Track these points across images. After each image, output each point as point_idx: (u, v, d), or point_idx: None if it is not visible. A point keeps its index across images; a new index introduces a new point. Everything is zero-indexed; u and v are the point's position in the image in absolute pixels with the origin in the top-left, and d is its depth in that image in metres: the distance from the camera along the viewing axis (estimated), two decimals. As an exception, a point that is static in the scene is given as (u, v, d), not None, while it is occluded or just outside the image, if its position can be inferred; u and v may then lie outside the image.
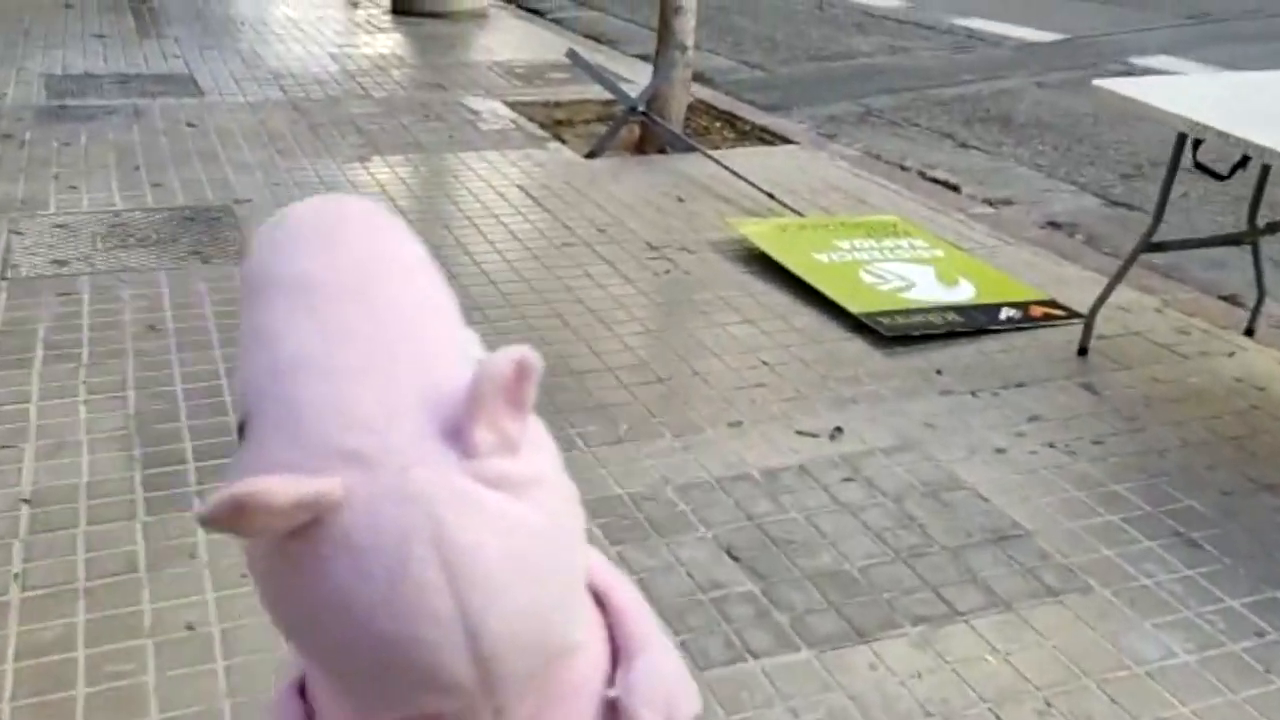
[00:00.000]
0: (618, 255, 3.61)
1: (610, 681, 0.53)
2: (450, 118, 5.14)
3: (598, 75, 4.97)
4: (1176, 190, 4.95)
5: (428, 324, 0.51)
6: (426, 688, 0.44)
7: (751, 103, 6.18)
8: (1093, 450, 2.53)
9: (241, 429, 0.51)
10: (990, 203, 4.55)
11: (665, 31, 5.05)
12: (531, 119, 5.32)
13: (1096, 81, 2.81)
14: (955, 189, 4.72)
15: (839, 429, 2.59)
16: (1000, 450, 2.53)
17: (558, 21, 8.70)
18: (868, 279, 3.41)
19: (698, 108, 5.51)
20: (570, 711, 0.51)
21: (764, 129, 5.31)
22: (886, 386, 2.81)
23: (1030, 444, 2.55)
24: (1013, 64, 6.92)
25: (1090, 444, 2.56)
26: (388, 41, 6.89)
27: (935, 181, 4.79)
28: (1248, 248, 3.20)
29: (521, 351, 0.48)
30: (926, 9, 8.77)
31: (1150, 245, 2.89)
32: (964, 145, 5.37)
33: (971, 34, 7.83)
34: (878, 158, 5.06)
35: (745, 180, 4.23)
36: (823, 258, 3.53)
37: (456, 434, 0.46)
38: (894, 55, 7.31)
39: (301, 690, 0.57)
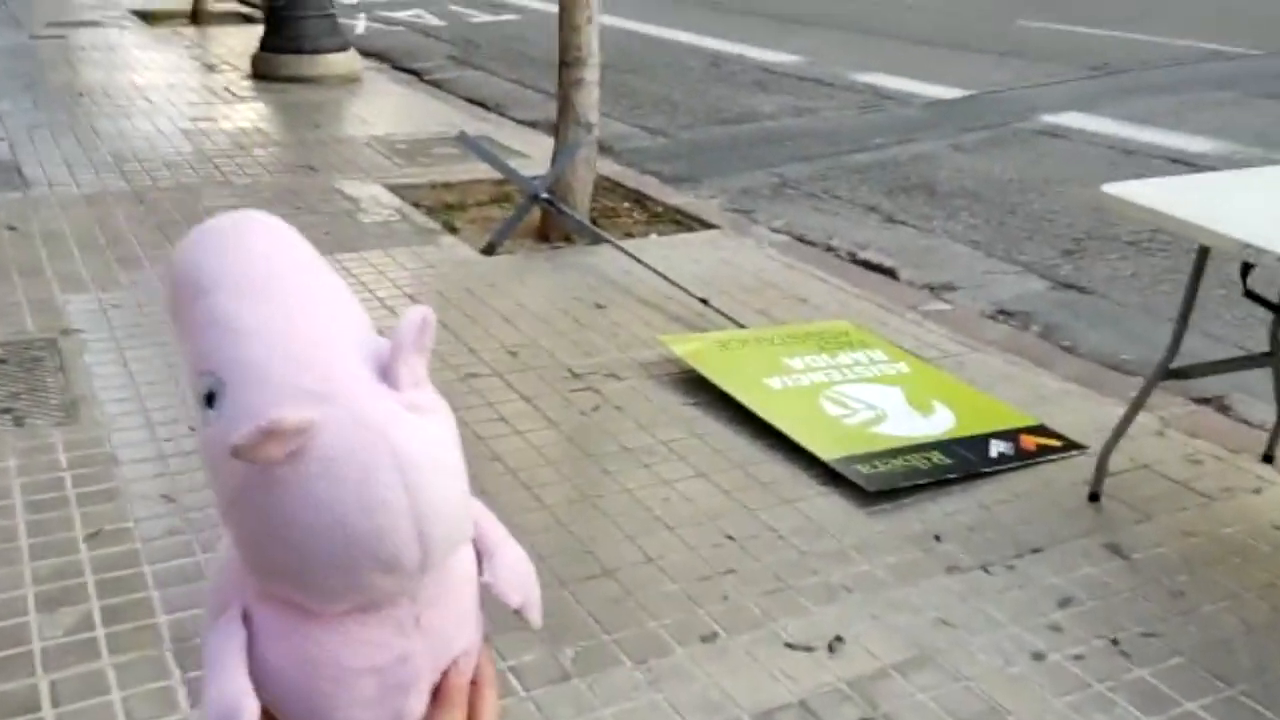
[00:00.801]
0: (535, 388, 3.04)
1: (480, 571, 0.69)
2: (325, 208, 4.52)
3: (493, 160, 4.43)
4: (1121, 267, 4.70)
5: (348, 300, 0.66)
6: (385, 570, 0.60)
7: (657, 174, 5.72)
8: (1147, 647, 2.07)
9: (210, 398, 0.62)
10: (933, 289, 4.15)
11: (566, 107, 4.54)
12: (418, 204, 4.73)
13: (1106, 188, 2.37)
14: (893, 274, 4.31)
15: (839, 638, 2.07)
16: (1038, 656, 2.04)
17: (437, 84, 8.14)
18: (831, 409, 2.92)
19: (603, 184, 5.00)
20: (460, 595, 0.67)
21: (678, 210, 4.82)
22: (881, 564, 2.31)
23: (1072, 642, 2.08)
24: (924, 124, 6.62)
25: (1140, 636, 2.10)
26: (249, 113, 6.21)
27: (870, 266, 4.37)
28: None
29: (423, 310, 0.61)
30: (824, 64, 8.48)
31: (1169, 373, 2.47)
32: (891, 220, 4.98)
33: (876, 91, 7.54)
34: (805, 240, 4.62)
35: (671, 282, 3.71)
36: (775, 383, 3.02)
37: (385, 374, 0.61)
38: (800, 117, 6.95)
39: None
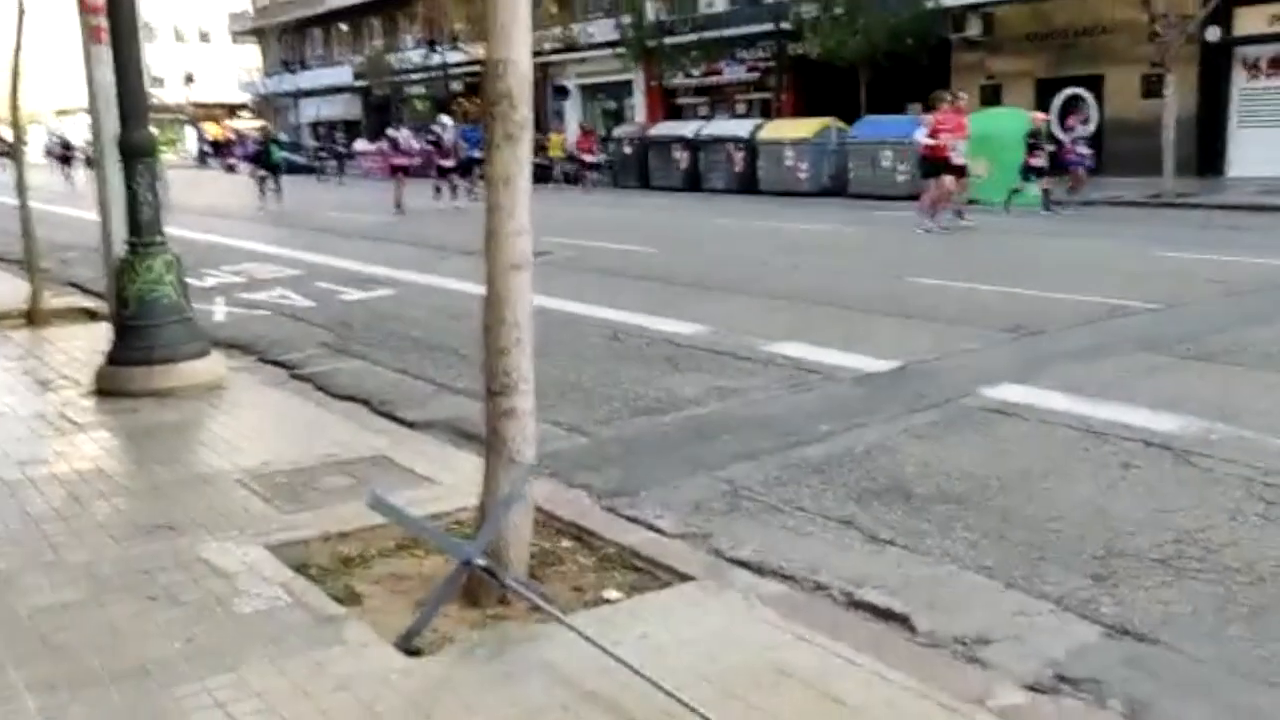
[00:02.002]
0: None
1: None
2: (188, 595, 3.51)
3: (414, 524, 3.55)
4: (1170, 599, 3.92)
5: None
6: None
7: (587, 487, 4.94)
8: None
9: None
10: (964, 644, 3.39)
11: (496, 443, 3.74)
12: (310, 569, 3.78)
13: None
14: (907, 624, 3.54)
15: None
16: None
17: (312, 381, 7.30)
18: None
19: (535, 519, 4.16)
20: None
21: (634, 554, 3.99)
22: None
23: None
24: (864, 405, 6.09)
25: None
26: (91, 447, 5.21)
27: (876, 612, 3.60)
28: None
29: None
30: (732, 335, 8.03)
31: None
32: (875, 539, 4.27)
33: (798, 365, 7.06)
34: (792, 578, 3.84)
35: (674, 697, 2.81)
36: None
37: None
38: (725, 400, 6.34)
39: None
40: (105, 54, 6.58)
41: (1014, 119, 20.47)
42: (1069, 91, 24.17)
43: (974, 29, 25.79)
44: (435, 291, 11.29)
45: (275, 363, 8.10)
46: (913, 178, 21.38)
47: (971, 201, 20.02)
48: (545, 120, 39.61)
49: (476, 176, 23.80)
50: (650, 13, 34.64)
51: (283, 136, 37.89)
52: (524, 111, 3.68)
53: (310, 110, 55.86)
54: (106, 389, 6.12)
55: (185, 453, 5.29)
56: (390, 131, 24.73)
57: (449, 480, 4.83)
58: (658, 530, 4.40)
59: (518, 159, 3.72)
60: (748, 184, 25.13)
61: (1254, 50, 20.91)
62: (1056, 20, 24.25)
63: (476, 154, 23.11)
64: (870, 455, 5.23)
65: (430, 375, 7.40)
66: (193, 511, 4.31)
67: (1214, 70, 20.83)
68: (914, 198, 19.84)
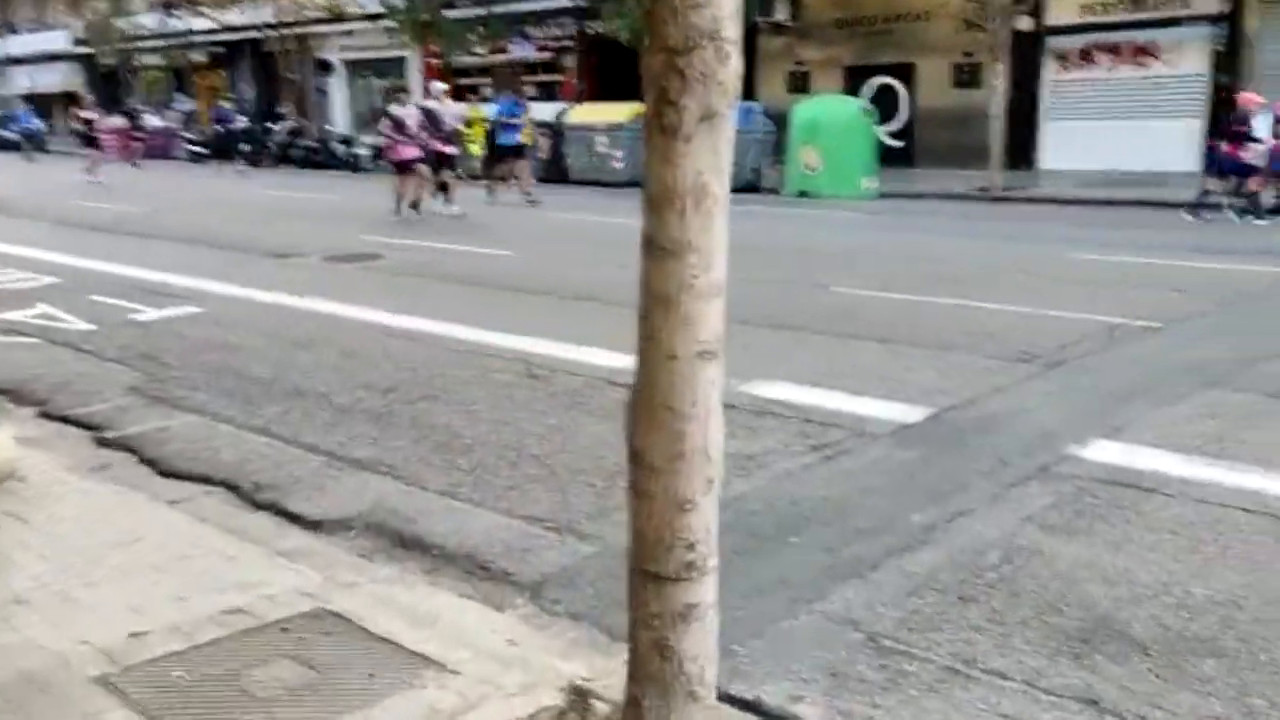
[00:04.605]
0: None
1: None
2: None
3: None
4: None
5: None
6: None
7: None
8: None
9: None
10: None
11: (661, 663, 2.07)
12: None
13: None
14: None
15: None
16: None
17: (133, 450, 5.19)
18: None
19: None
20: None
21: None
22: None
23: None
24: (937, 479, 4.66)
25: None
26: None
27: None
28: None
29: None
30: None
31: None
32: (1114, 713, 2.86)
33: (800, 414, 5.55)
34: None
35: None
36: None
37: None
38: (749, 475, 4.76)
39: None
40: None
41: (844, 107, 19.89)
42: (879, 80, 23.98)
43: (781, 14, 25.13)
44: (256, 308, 9.04)
45: (67, 419, 5.85)
46: (743, 167, 20.51)
47: (802, 194, 19.32)
48: (307, 100, 36.38)
49: (504, 168, 19.34)
50: (425, -18, 32.19)
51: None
52: (735, 65, 2.02)
53: (23, 80, 49.20)
54: None
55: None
56: (396, 109, 16.32)
57: (472, 666, 3.01)
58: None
59: (717, 157, 2.05)
60: (554, 173, 23.44)
61: (1065, 41, 21.21)
62: (866, 7, 23.94)
63: (518, 137, 18.92)
64: (1013, 564, 3.81)
65: (307, 439, 5.42)
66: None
67: (1026, 61, 21.01)
68: (748, 189, 18.95)
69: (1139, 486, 4.45)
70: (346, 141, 31.00)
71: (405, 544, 4.16)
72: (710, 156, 1.99)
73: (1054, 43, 21.25)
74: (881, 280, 9.73)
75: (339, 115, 36.28)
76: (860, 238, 13.77)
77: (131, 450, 5.29)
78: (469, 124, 20.55)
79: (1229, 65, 19.46)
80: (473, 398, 6.06)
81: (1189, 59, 20.12)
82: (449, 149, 16.60)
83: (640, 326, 2.12)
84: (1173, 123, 20.15)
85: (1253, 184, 14.52)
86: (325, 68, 36.75)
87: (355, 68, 36.55)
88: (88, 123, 25.51)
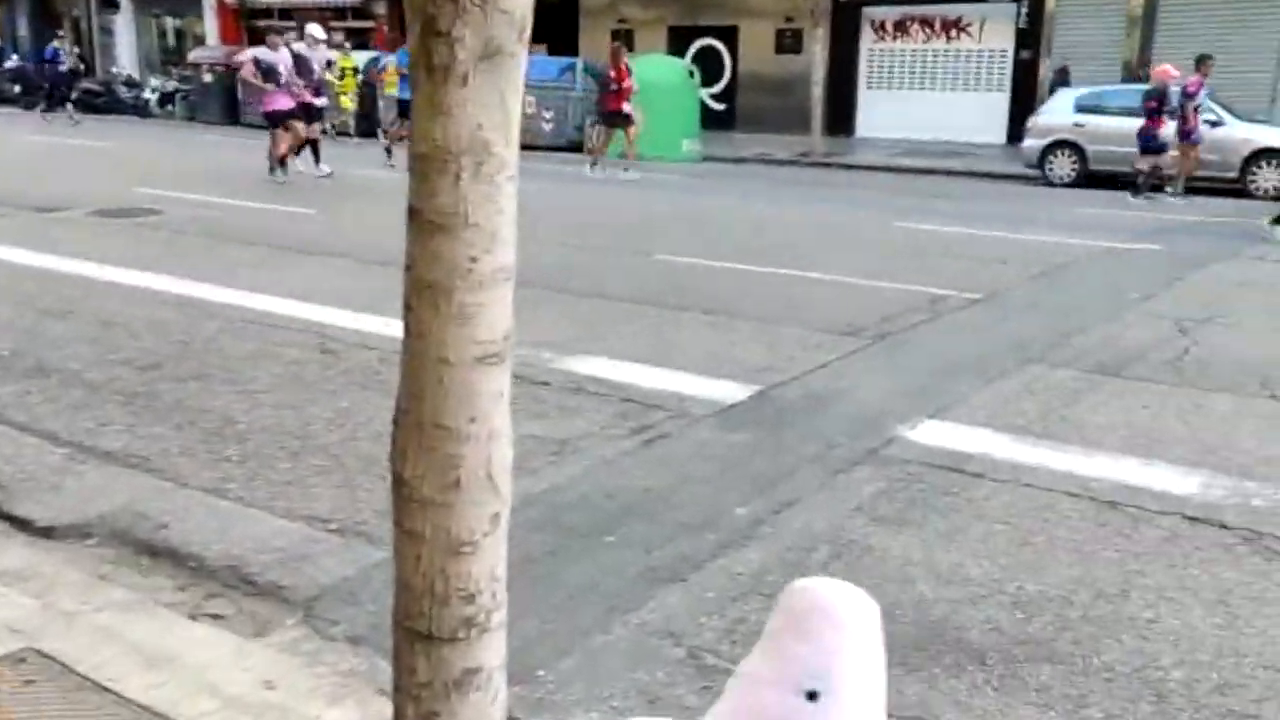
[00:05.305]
0: None
1: None
2: None
3: None
4: None
5: None
6: None
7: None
8: None
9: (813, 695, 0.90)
10: None
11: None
12: None
13: None
14: None
15: None
16: None
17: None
18: None
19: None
20: None
21: None
22: None
23: None
24: (763, 464, 4.34)
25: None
26: None
27: None
28: None
29: None
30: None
31: None
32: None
33: (620, 393, 5.15)
34: None
35: None
36: None
37: None
38: (562, 461, 4.30)
39: None
40: None
41: (668, 68, 19.57)
42: (702, 42, 23.79)
43: (604, -31, 24.61)
44: (5, 269, 7.96)
45: None
46: (559, 125, 19.93)
47: (623, 155, 18.96)
48: (89, 40, 33.48)
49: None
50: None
51: None
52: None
53: None
54: None
55: None
56: (263, 53, 14.14)
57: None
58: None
59: (504, 108, 1.58)
60: (365, 127, 22.22)
61: (880, 11, 21.50)
62: (691, -34, 23.68)
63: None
64: (843, 561, 3.52)
65: (48, 425, 4.66)
66: None
67: (845, 30, 21.20)
68: (571, 148, 18.45)
69: (966, 471, 4.25)
70: (132, 84, 28.68)
71: (155, 553, 3.55)
72: (494, 108, 1.53)
73: (870, 12, 21.53)
74: (705, 247, 9.45)
75: (125, 56, 33.49)
76: (683, 202, 13.50)
77: None
78: (341, 74, 19.24)
79: (1031, 42, 20.17)
80: (252, 376, 5.39)
81: (995, 35, 20.74)
82: (317, 100, 14.62)
83: (405, 323, 1.64)
84: (980, 95, 20.78)
85: (1142, 163, 13.74)
86: (111, 4, 33.83)
87: (144, 5, 33.75)
88: (267, 71, 21.37)
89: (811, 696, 1.06)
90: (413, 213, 1.60)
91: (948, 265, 8.86)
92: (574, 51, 23.23)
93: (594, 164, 15.86)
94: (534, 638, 3.05)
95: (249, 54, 14.78)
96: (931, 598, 3.29)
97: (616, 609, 3.24)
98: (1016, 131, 18.05)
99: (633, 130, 15.97)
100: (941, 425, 4.78)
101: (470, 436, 1.62)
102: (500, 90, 1.54)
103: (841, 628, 1.11)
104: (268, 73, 13.85)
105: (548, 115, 19.89)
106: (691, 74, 19.85)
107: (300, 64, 14.14)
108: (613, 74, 15.91)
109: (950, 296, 7.49)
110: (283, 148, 13.99)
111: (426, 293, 1.59)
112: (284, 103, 13.86)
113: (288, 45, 14.28)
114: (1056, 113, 15.94)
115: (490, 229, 1.58)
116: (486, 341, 1.60)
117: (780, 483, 4.16)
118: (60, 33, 32.02)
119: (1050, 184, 15.65)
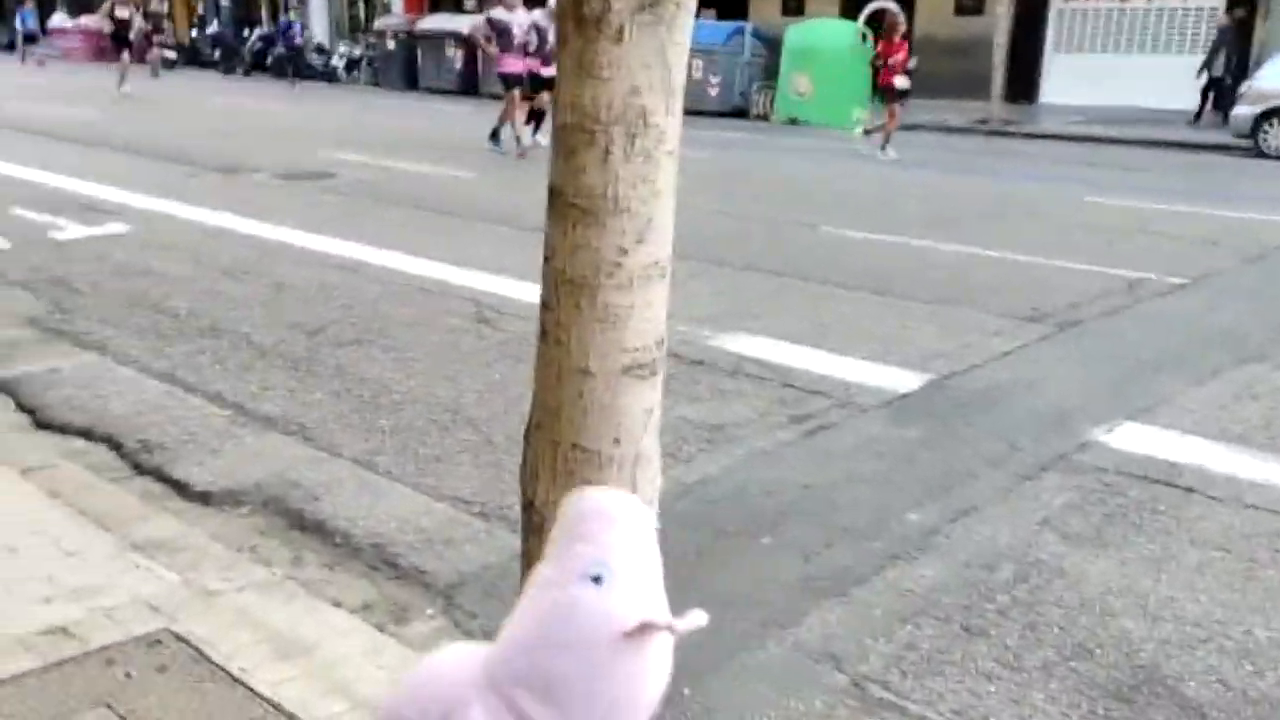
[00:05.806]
0: None
1: None
2: None
3: None
4: None
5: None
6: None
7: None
8: None
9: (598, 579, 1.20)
10: None
11: None
12: None
13: None
14: None
15: None
16: None
17: (9, 393, 4.47)
18: None
19: None
20: None
21: None
22: None
23: None
24: (936, 464, 3.98)
25: None
26: None
27: None
28: None
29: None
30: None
31: None
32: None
33: (781, 377, 4.83)
34: None
35: None
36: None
37: None
38: (715, 448, 4.06)
39: None
40: None
41: (840, 32, 18.87)
42: (877, 5, 22.84)
43: (778, -71, 23.86)
44: (191, 228, 8.23)
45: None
46: (731, 91, 19.51)
47: (792, 121, 18.43)
48: (287, 12, 34.78)
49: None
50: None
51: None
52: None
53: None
54: None
55: None
56: (499, 13, 13.18)
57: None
58: None
59: (665, 69, 1.31)
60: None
61: (1074, -30, 20.17)
62: (867, -74, 22.70)
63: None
64: (1030, 585, 3.15)
65: (215, 387, 4.71)
66: None
67: (1033, -11, 19.97)
68: (735, 113, 17.98)
69: (1176, 485, 3.78)
70: (322, 51, 29.67)
71: (304, 527, 3.48)
72: (654, 68, 1.26)
73: (1063, -30, 20.18)
74: (874, 221, 8.97)
75: (316, 23, 34.73)
76: (851, 171, 12.96)
77: (9, 394, 4.57)
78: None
79: (1244, 0, 18.49)
80: (409, 343, 5.33)
81: (1203, -9, 19.13)
82: (547, 71, 12.52)
83: (541, 324, 1.40)
84: (1186, 59, 19.22)
85: None
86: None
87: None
88: (121, 23, 21.38)
89: (596, 580, 1.19)
90: (553, 193, 1.36)
91: (1146, 245, 8.13)
92: (744, 15, 22.70)
93: (885, 145, 14.67)
94: (679, 650, 2.82)
95: (483, 15, 14.36)
96: (1138, 636, 2.89)
97: (771, 623, 2.98)
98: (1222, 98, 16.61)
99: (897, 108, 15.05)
100: (1144, 430, 4.29)
101: (613, 461, 1.38)
102: (661, 47, 1.28)
103: (616, 523, 1.22)
104: (502, 34, 13.11)
105: (714, 80, 19.51)
106: (865, 38, 19.06)
107: (539, 33, 13.05)
108: (882, 46, 15.19)
109: (1150, 280, 6.83)
110: (517, 114, 13.19)
111: (567, 290, 1.35)
112: (515, 66, 13.12)
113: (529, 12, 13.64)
114: (1274, 78, 14.54)
115: (644, 215, 1.33)
116: (635, 349, 1.35)
117: (956, 487, 3.79)
118: (294, 2, 33.33)
119: (1264, 155, 14.31)
